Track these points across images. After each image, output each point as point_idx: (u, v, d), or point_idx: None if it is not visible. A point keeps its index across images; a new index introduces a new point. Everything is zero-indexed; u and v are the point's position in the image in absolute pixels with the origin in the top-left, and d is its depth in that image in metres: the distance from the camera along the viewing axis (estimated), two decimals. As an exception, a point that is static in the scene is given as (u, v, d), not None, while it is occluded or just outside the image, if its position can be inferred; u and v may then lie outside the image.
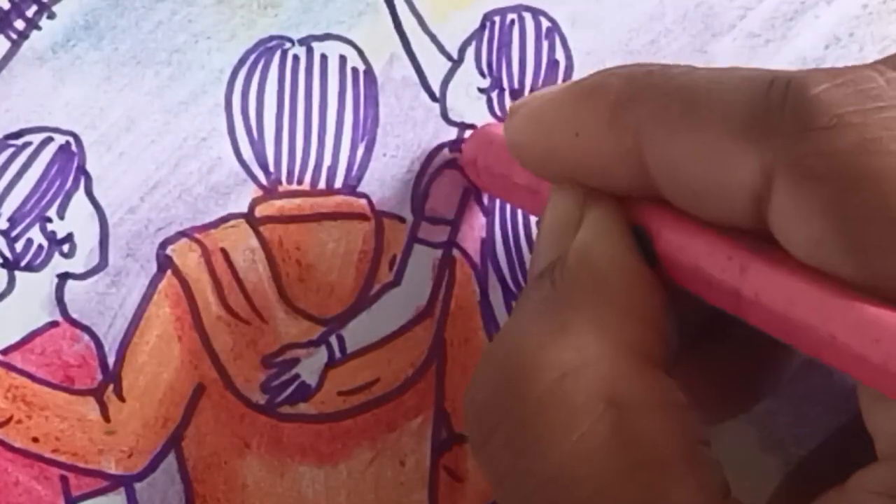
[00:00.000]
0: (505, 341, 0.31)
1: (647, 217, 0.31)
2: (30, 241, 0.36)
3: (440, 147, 0.39)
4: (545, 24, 0.40)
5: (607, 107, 0.31)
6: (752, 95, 0.28)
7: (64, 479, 0.36)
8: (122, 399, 0.36)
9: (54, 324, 0.36)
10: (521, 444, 0.29)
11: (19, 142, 0.36)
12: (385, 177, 0.39)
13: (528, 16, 0.40)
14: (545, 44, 0.40)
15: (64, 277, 0.36)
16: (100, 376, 0.36)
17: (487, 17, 0.40)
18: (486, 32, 0.39)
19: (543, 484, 0.28)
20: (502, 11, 0.40)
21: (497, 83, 0.39)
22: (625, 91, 0.31)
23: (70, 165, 0.36)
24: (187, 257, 0.37)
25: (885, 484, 0.26)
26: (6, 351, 0.36)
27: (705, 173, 0.29)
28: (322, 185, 0.38)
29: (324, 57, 0.38)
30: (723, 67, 0.30)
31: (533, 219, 0.40)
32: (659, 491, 0.27)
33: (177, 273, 0.37)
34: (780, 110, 0.27)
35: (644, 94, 0.30)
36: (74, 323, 0.36)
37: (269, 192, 0.38)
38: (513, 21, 0.40)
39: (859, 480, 0.27)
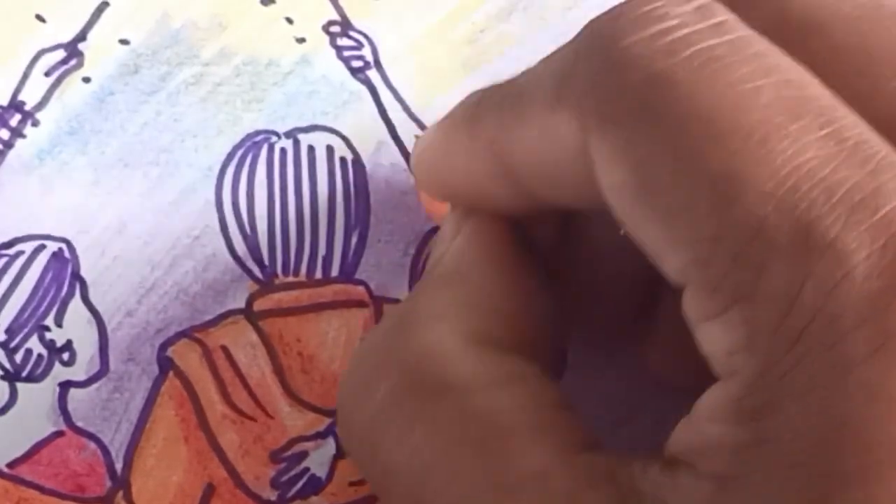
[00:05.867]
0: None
1: None
2: (29, 352, 0.35)
3: (435, 228, 0.39)
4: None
5: (464, 126, 0.31)
6: (560, 62, 0.27)
7: (79, 593, 0.35)
8: (132, 505, 0.36)
9: (59, 433, 0.35)
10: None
11: (12, 251, 0.36)
12: (381, 262, 0.38)
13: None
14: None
15: (66, 386, 0.36)
16: (108, 483, 0.36)
17: (470, 98, 0.40)
18: (470, 112, 0.40)
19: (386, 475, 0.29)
20: (484, 91, 0.40)
21: (485, 161, 0.40)
22: (475, 106, 0.31)
23: (64, 272, 0.36)
24: (188, 357, 0.37)
25: (723, 409, 0.24)
26: (12, 464, 0.35)
27: (545, 157, 0.28)
28: (318, 274, 0.38)
29: (311, 148, 0.38)
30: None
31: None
32: (504, 460, 0.27)
33: (179, 374, 0.36)
34: (575, 64, 0.27)
35: (487, 102, 0.30)
36: (80, 431, 0.36)
37: (266, 286, 0.37)
38: (495, 100, 0.40)
39: (700, 407, 0.25)
